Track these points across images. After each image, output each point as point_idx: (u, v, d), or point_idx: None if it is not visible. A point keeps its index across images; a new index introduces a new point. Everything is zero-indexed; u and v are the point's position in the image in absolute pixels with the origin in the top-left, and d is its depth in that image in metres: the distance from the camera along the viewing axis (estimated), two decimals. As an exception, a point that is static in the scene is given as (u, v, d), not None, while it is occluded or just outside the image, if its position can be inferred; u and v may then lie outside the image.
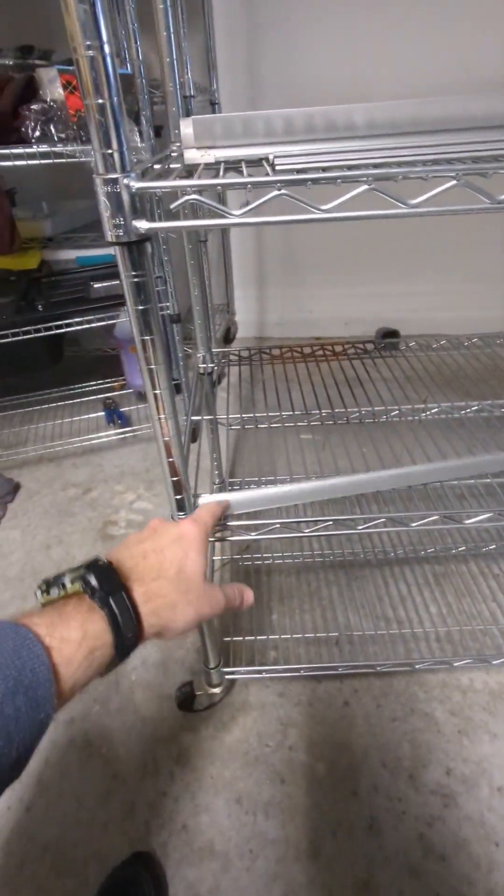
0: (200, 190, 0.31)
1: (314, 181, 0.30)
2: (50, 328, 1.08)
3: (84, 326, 1.11)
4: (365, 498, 0.90)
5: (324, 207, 0.31)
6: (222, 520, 0.53)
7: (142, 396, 1.49)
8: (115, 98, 0.28)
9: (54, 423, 1.40)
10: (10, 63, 1.15)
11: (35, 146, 0.92)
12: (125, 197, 0.31)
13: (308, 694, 0.77)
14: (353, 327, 1.84)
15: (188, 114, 1.07)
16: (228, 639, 0.79)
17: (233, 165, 0.44)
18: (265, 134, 0.43)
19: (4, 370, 1.21)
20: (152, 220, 0.32)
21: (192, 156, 0.44)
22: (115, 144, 0.29)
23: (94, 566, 0.35)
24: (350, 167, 0.33)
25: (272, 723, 0.73)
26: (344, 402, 0.73)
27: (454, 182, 0.30)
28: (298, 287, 1.78)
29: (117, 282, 1.22)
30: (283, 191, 0.30)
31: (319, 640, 0.82)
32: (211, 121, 0.43)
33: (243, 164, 0.42)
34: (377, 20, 1.30)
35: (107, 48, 0.26)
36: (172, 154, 0.59)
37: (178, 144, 0.62)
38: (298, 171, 0.33)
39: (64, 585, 0.34)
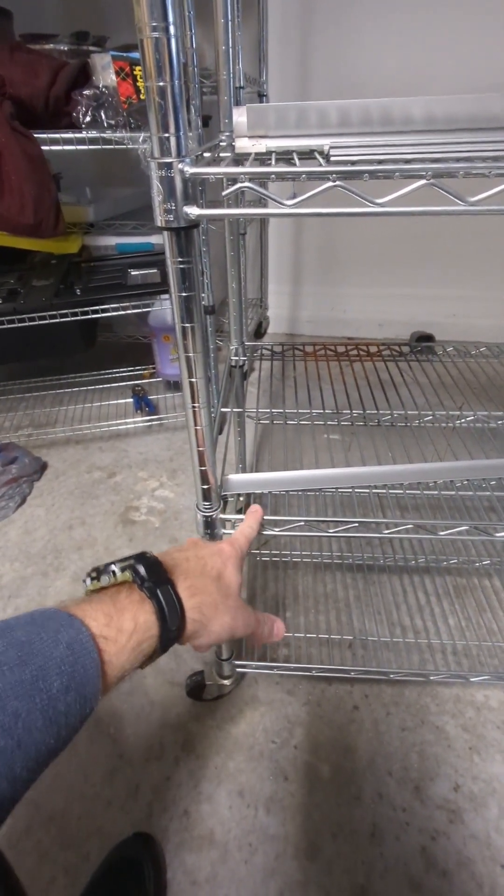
0: (253, 178, 0.31)
1: (371, 174, 0.29)
2: (87, 312, 1.09)
3: (119, 313, 1.12)
4: (391, 504, 0.89)
5: (379, 201, 0.30)
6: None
7: (171, 385, 1.50)
8: (177, 81, 0.27)
9: (84, 406, 1.43)
10: (65, 49, 1.16)
11: (85, 132, 0.93)
12: (178, 182, 0.30)
13: (317, 694, 0.76)
14: (387, 329, 1.81)
15: (238, 104, 1.07)
16: (242, 632, 0.79)
17: (284, 156, 0.43)
18: (319, 125, 0.42)
19: (40, 351, 1.23)
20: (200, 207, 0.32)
21: (243, 144, 0.44)
22: (172, 128, 0.29)
23: (143, 558, 0.35)
24: (408, 160, 0.32)
25: (279, 720, 0.73)
26: (376, 404, 0.71)
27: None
28: (333, 285, 1.76)
29: (154, 270, 1.23)
30: (337, 182, 0.30)
31: (332, 642, 0.81)
32: (264, 110, 0.43)
33: (295, 155, 0.41)
34: (435, 17, 1.26)
35: (172, 30, 0.26)
36: (221, 143, 0.59)
37: (227, 134, 0.62)
38: (353, 163, 0.32)
39: (114, 573, 0.34)
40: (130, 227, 1.38)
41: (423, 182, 0.29)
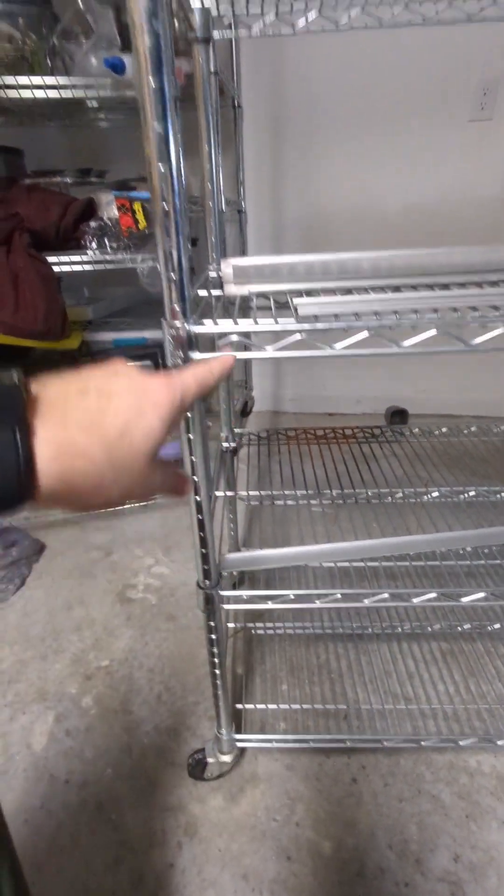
0: (244, 333, 0.41)
1: (325, 330, 0.40)
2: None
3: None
4: (375, 574, 0.95)
5: (336, 346, 0.41)
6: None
7: (163, 464, 1.59)
8: (178, 202, 0.37)
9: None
10: (70, 182, 1.36)
11: (91, 254, 1.08)
12: (185, 337, 0.41)
13: (316, 768, 0.78)
14: (365, 404, 1.96)
15: (222, 226, 1.25)
16: (241, 706, 0.82)
17: (263, 299, 0.55)
18: (289, 276, 0.55)
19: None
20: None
21: (231, 290, 0.55)
22: (176, 296, 0.39)
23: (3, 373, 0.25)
24: (357, 313, 0.43)
25: (280, 796, 0.74)
26: (352, 482, 0.80)
27: (434, 332, 0.40)
28: (313, 366, 1.92)
29: (149, 362, 1.36)
30: (304, 336, 0.40)
31: (328, 713, 0.84)
32: (246, 265, 0.55)
33: (272, 299, 0.53)
34: (383, 144, 1.51)
35: (174, 166, 0.37)
36: (210, 274, 0.72)
37: (215, 262, 0.75)
38: (316, 317, 0.43)
39: None
40: (125, 324, 1.53)
41: (366, 334, 0.40)
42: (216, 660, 0.63)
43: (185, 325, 0.40)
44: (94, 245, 1.07)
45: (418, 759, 0.78)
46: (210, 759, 0.75)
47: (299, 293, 0.52)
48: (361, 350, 0.41)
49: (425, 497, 0.75)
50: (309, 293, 0.51)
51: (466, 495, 0.75)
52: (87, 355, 1.42)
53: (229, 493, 0.80)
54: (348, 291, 0.51)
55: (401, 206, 1.56)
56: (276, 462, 0.91)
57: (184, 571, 1.21)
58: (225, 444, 0.92)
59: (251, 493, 0.80)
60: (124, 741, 0.84)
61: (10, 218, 1.03)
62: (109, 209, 1.10)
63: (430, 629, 0.95)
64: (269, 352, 0.41)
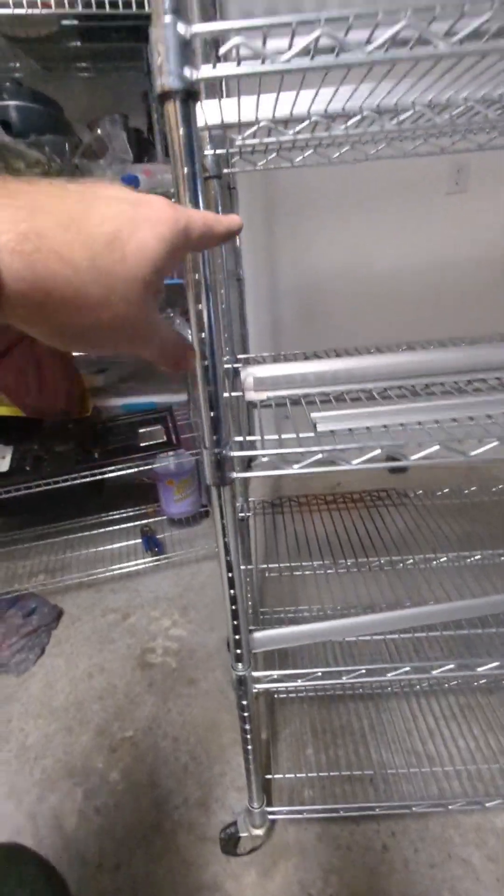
0: (269, 457, 0.47)
1: (343, 451, 0.46)
2: (104, 473, 1.25)
3: (132, 471, 1.28)
4: (394, 643, 0.98)
5: (353, 462, 0.47)
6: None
7: (175, 522, 1.63)
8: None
9: (93, 551, 1.53)
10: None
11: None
12: (222, 460, 0.46)
13: (346, 837, 0.79)
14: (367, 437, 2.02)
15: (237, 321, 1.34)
16: (269, 776, 0.84)
17: (280, 402, 0.62)
18: (301, 383, 0.61)
19: (60, 509, 1.37)
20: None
21: (251, 396, 0.62)
22: (214, 430, 0.45)
23: None
24: (369, 428, 0.49)
25: (313, 868, 0.76)
26: (364, 549, 0.85)
27: (437, 447, 0.46)
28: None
29: (160, 427, 1.42)
30: (325, 455, 0.46)
31: (354, 779, 0.86)
32: (265, 376, 0.62)
33: (288, 403, 0.59)
34: (367, 220, 1.63)
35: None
36: (225, 367, 0.79)
37: (229, 353, 0.82)
38: (333, 433, 0.49)
39: None
40: (134, 389, 1.60)
41: (378, 451, 0.46)
42: (248, 736, 0.66)
43: (223, 450, 0.46)
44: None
45: (446, 822, 0.80)
46: (243, 834, 0.77)
47: (313, 399, 0.58)
48: (375, 465, 0.46)
49: (433, 563, 0.80)
50: (323, 400, 0.58)
51: (473, 559, 0.80)
52: (101, 422, 1.49)
53: (250, 567, 0.84)
54: (357, 398, 0.58)
55: (388, 271, 1.67)
56: (289, 530, 0.96)
57: (200, 632, 1.23)
58: (241, 514, 0.97)
59: (270, 565, 0.84)
60: (154, 817, 0.85)
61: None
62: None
63: (446, 685, 0.97)
64: (295, 469, 0.46)
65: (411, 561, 0.81)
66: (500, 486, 0.93)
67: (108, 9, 0.89)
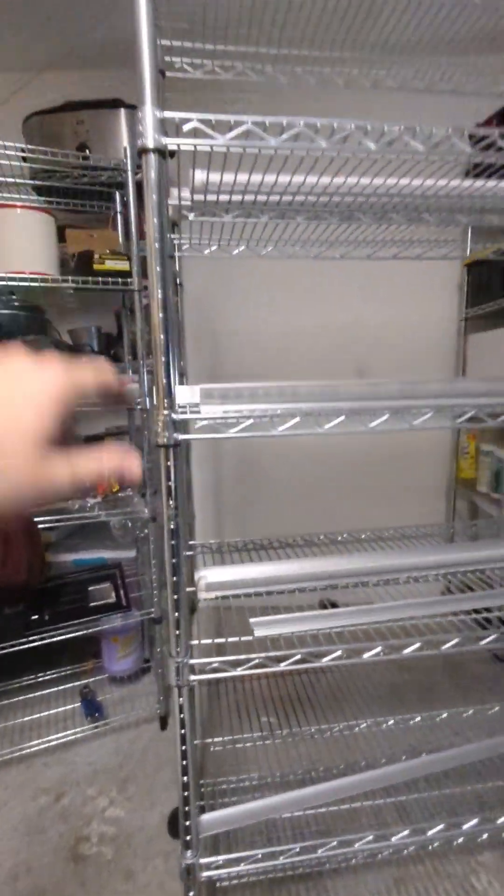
0: (220, 663, 0.62)
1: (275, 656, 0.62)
2: (53, 637, 1.29)
3: (82, 633, 1.33)
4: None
5: (282, 664, 0.62)
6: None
7: (115, 680, 1.62)
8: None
9: (28, 719, 1.45)
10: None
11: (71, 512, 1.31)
12: (182, 668, 0.60)
13: None
14: (300, 598, 2.15)
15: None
16: None
17: (227, 606, 0.77)
18: (251, 584, 0.78)
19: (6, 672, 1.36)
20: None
21: (203, 595, 0.77)
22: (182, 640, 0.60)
23: None
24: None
25: None
26: (297, 718, 0.96)
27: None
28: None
29: (108, 584, 1.51)
30: (259, 661, 0.61)
31: None
32: (214, 580, 0.78)
33: (232, 607, 0.75)
34: (287, 290, 1.89)
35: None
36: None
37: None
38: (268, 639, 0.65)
39: None
40: (83, 545, 1.70)
41: (298, 657, 0.62)
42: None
43: (185, 659, 0.60)
44: (76, 506, 1.30)
45: None
46: None
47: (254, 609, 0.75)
48: (303, 665, 0.62)
49: (356, 729, 0.92)
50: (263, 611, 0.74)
51: (385, 725, 0.92)
52: (53, 579, 1.54)
53: (197, 742, 0.91)
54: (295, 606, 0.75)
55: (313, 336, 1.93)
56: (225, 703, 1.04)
57: (140, 811, 1.19)
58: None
59: (215, 738, 0.92)
60: None
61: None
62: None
63: (379, 856, 1.02)
64: (239, 671, 0.61)
65: (337, 729, 0.92)
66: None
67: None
